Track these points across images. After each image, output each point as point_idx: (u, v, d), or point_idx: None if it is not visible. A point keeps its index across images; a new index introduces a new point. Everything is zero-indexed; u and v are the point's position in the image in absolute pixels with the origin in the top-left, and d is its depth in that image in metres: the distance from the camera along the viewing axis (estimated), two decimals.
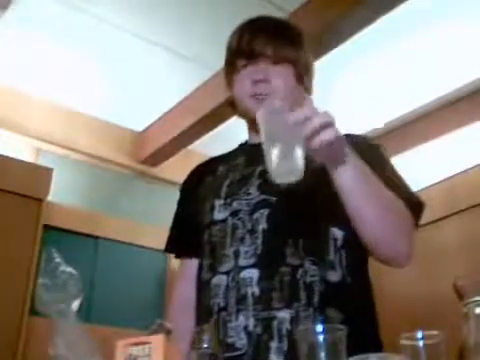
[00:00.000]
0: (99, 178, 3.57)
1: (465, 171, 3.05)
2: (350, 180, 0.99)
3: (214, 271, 1.19)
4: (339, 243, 1.16)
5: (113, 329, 2.94)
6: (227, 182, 1.27)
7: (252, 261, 1.14)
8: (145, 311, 3.24)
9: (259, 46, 1.23)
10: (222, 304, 1.14)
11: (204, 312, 1.19)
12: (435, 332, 0.66)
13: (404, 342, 0.66)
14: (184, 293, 1.33)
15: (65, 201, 3.26)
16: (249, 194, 1.21)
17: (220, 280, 1.17)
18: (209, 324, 1.10)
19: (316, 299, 1.09)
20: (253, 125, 1.31)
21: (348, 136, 1.27)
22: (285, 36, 1.28)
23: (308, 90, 1.31)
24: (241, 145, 1.41)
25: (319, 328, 0.66)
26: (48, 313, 0.85)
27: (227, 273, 1.16)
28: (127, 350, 0.76)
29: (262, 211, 1.18)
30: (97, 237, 3.34)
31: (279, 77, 1.23)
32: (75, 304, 0.86)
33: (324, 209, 1.16)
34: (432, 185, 3.09)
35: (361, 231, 1.06)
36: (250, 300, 1.11)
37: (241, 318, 1.10)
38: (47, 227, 2.95)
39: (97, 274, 3.23)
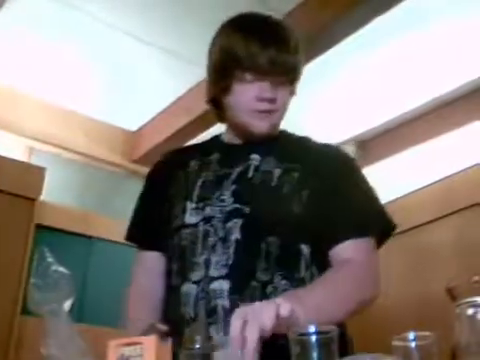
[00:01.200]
0: (92, 177, 3.56)
1: (463, 171, 3.03)
2: (308, 317, 0.95)
3: (184, 278, 1.17)
4: (308, 259, 1.15)
5: (105, 329, 2.93)
6: (199, 182, 1.25)
7: (223, 272, 1.12)
8: None
9: (261, 56, 1.18)
10: (192, 315, 1.12)
11: (175, 320, 1.14)
12: (427, 333, 0.66)
13: (396, 343, 0.66)
14: (142, 287, 1.32)
15: (58, 200, 3.24)
16: (223, 201, 1.19)
17: (190, 289, 1.15)
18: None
19: None
20: (237, 130, 1.29)
21: (318, 144, 1.30)
22: (285, 42, 1.22)
23: (293, 92, 1.29)
24: (216, 137, 1.37)
25: (311, 328, 0.66)
26: (40, 313, 0.84)
27: (197, 283, 1.14)
28: (119, 350, 0.75)
29: (236, 221, 1.16)
30: (90, 237, 3.32)
31: (282, 97, 1.22)
32: (67, 304, 0.86)
33: (295, 224, 1.16)
34: (425, 186, 3.09)
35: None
36: (221, 313, 1.09)
37: (212, 332, 1.08)
38: (39, 227, 2.94)
39: (90, 274, 3.22)
